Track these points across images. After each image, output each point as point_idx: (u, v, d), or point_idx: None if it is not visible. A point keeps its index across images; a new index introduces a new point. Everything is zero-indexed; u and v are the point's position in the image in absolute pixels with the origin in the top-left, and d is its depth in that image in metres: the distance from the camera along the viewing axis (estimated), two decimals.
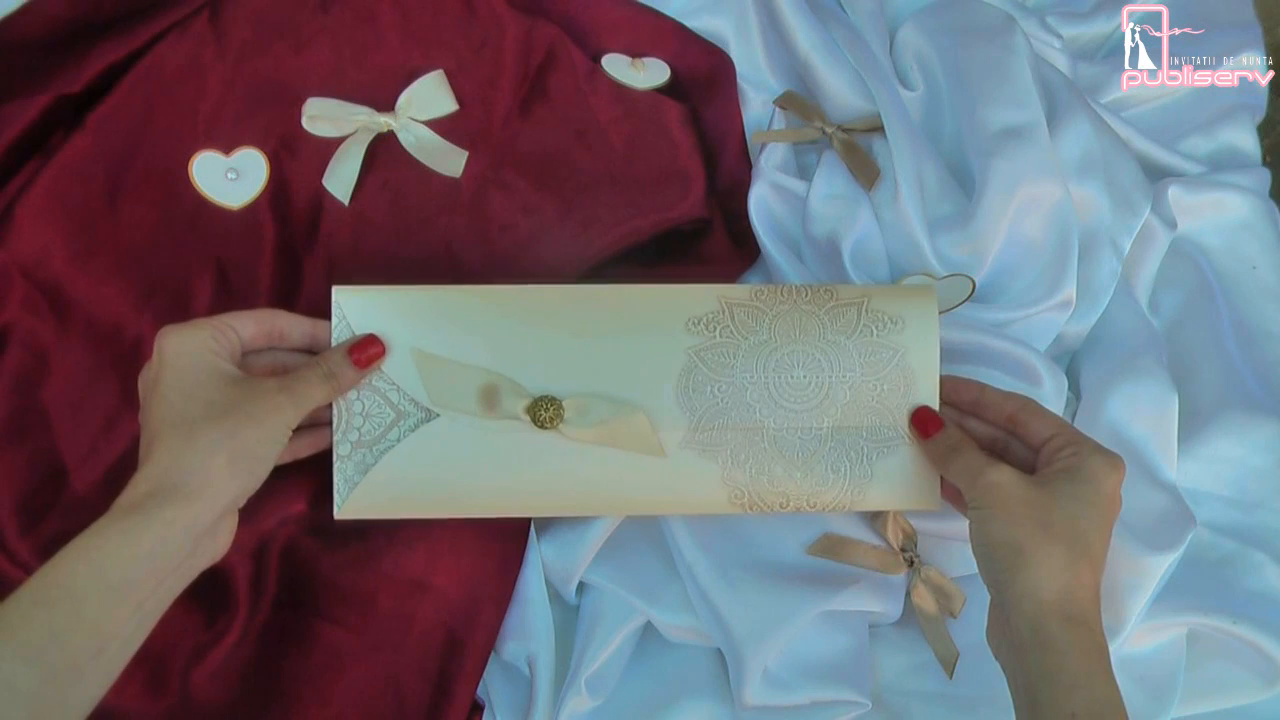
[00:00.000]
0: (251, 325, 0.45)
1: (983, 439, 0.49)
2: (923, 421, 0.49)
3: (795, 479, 0.49)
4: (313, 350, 0.48)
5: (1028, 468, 0.46)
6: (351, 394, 0.47)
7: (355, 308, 0.47)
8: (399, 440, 0.48)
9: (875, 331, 0.49)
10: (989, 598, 0.45)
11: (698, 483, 0.49)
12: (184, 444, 0.40)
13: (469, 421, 0.48)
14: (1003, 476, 0.43)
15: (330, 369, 0.45)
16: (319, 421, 0.49)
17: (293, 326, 0.47)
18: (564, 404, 0.47)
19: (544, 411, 0.47)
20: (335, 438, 0.47)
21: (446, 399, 0.47)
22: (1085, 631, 0.40)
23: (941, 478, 0.49)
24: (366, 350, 0.46)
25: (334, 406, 0.47)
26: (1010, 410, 0.47)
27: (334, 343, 0.47)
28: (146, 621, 0.39)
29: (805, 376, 0.49)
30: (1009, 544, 0.42)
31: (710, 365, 0.49)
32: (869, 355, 0.49)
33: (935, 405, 0.49)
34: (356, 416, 0.47)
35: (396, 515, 0.48)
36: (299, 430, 0.48)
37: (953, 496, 0.49)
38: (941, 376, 0.50)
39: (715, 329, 0.49)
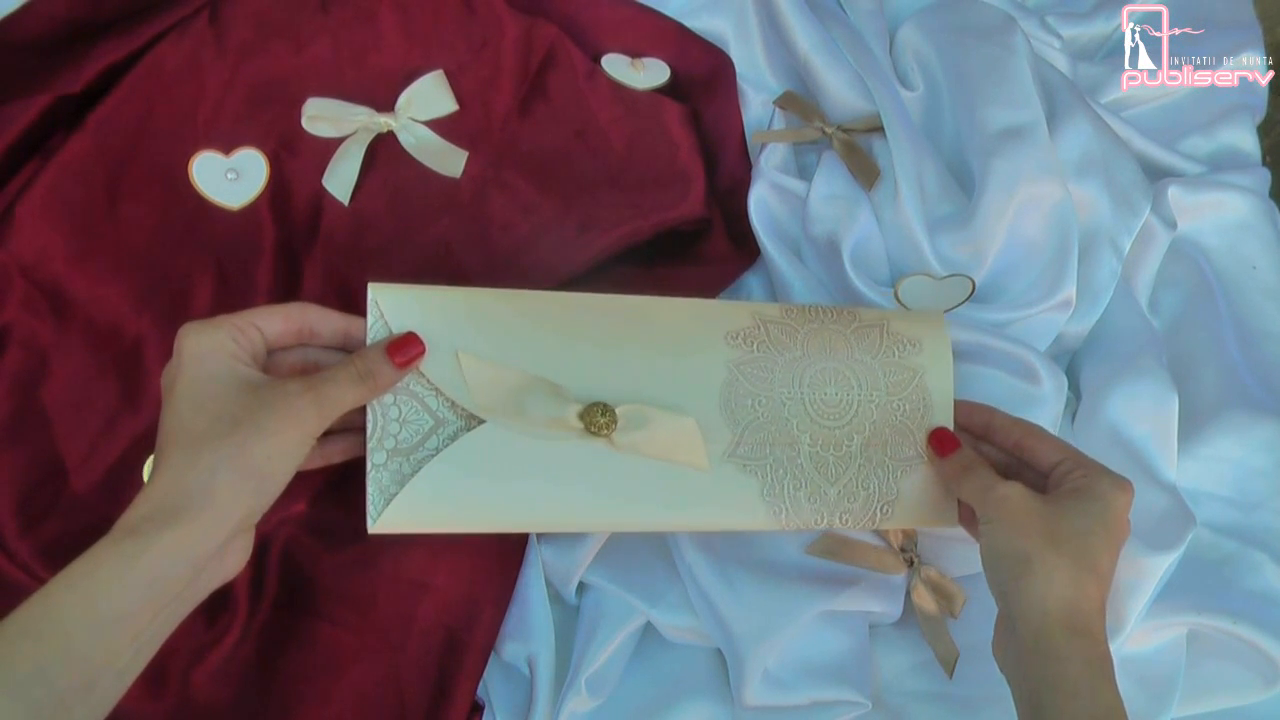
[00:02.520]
0: (279, 322, 0.42)
1: (994, 463, 0.49)
2: (940, 441, 0.50)
3: (830, 496, 0.49)
4: (345, 348, 0.45)
5: (1038, 491, 0.46)
6: (387, 398, 0.44)
7: (393, 305, 0.44)
8: (437, 449, 0.44)
9: (896, 353, 0.50)
10: (995, 606, 0.45)
11: (739, 498, 0.48)
12: (187, 462, 0.37)
13: (514, 430, 0.45)
14: (1013, 491, 0.44)
15: (366, 368, 0.41)
16: (351, 426, 0.45)
17: (324, 322, 0.43)
18: (618, 411, 0.45)
19: (599, 418, 0.45)
20: (370, 445, 0.43)
21: (492, 404, 0.45)
22: (1089, 642, 0.40)
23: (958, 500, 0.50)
24: (407, 349, 0.43)
25: (369, 411, 0.44)
26: (1016, 437, 0.48)
27: (370, 341, 0.44)
28: (144, 652, 0.36)
29: (837, 394, 0.49)
30: (1016, 555, 0.42)
31: (750, 379, 0.48)
32: (892, 375, 0.50)
33: (951, 426, 0.50)
34: (393, 423, 0.44)
35: (434, 530, 0.45)
36: (330, 434, 0.44)
37: (967, 520, 0.50)
38: (956, 401, 0.51)
39: (753, 343, 0.49)
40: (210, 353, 0.39)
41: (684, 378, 0.48)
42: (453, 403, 0.45)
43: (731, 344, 0.49)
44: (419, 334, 0.44)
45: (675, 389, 0.47)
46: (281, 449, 0.39)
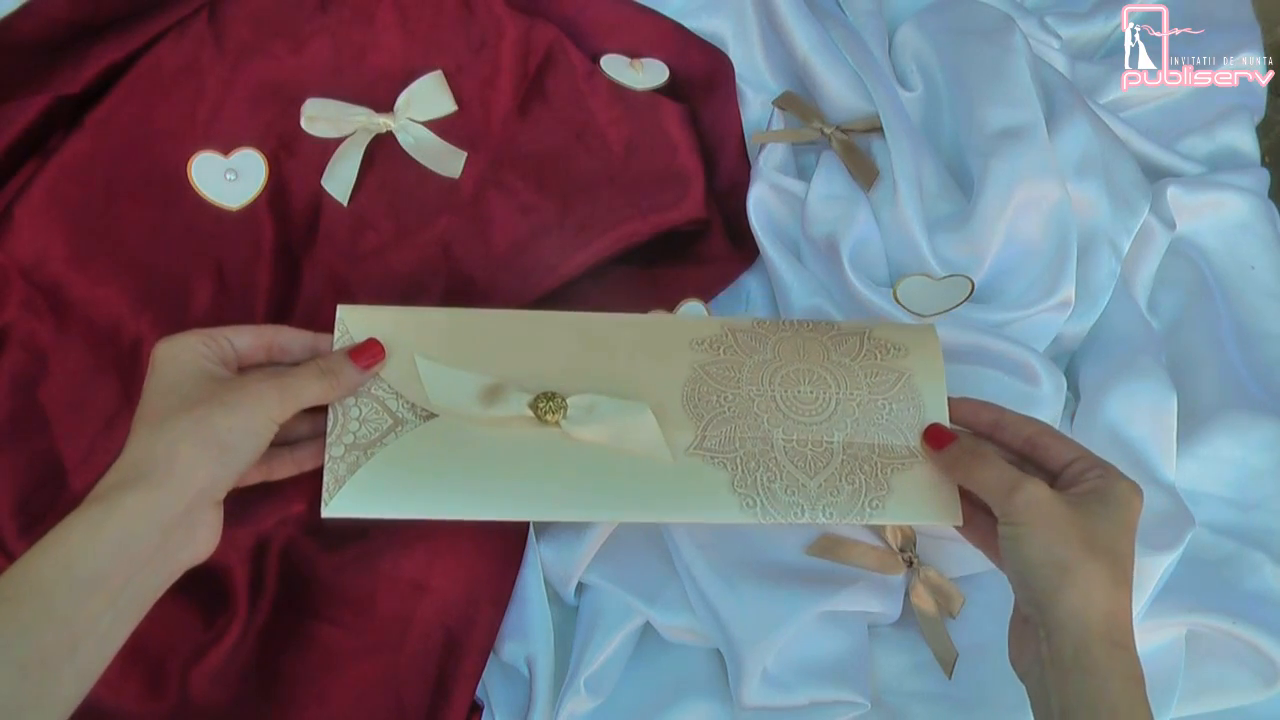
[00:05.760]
0: (248, 338, 0.45)
1: None
2: (934, 438, 0.48)
3: (810, 489, 0.47)
4: None
5: None
6: (349, 400, 0.46)
7: (359, 323, 0.47)
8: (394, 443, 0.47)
9: (879, 356, 0.50)
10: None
11: (707, 489, 0.47)
12: (152, 434, 0.39)
13: (469, 420, 0.47)
14: (1041, 492, 0.42)
15: (329, 366, 0.44)
16: (322, 432, 0.47)
17: (293, 340, 0.46)
18: (568, 400, 0.46)
19: (547, 404, 0.46)
20: (329, 439, 0.46)
21: (448, 402, 0.46)
22: (1128, 657, 0.40)
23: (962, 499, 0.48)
24: (369, 354, 0.46)
25: (330, 411, 0.46)
26: (1029, 433, 0.46)
27: None
28: (123, 618, 0.38)
29: (812, 392, 0.49)
30: (1054, 563, 0.40)
31: (715, 377, 0.48)
32: (874, 376, 0.49)
33: (946, 424, 0.49)
34: (353, 421, 0.46)
35: (387, 514, 0.46)
36: (302, 441, 0.47)
37: (969, 522, 0.47)
38: (958, 399, 0.49)
39: (719, 348, 0.49)
40: (180, 353, 0.42)
41: (644, 376, 0.48)
42: (413, 405, 0.47)
43: (696, 348, 0.49)
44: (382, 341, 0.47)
45: (635, 387, 0.48)
46: (243, 424, 0.41)
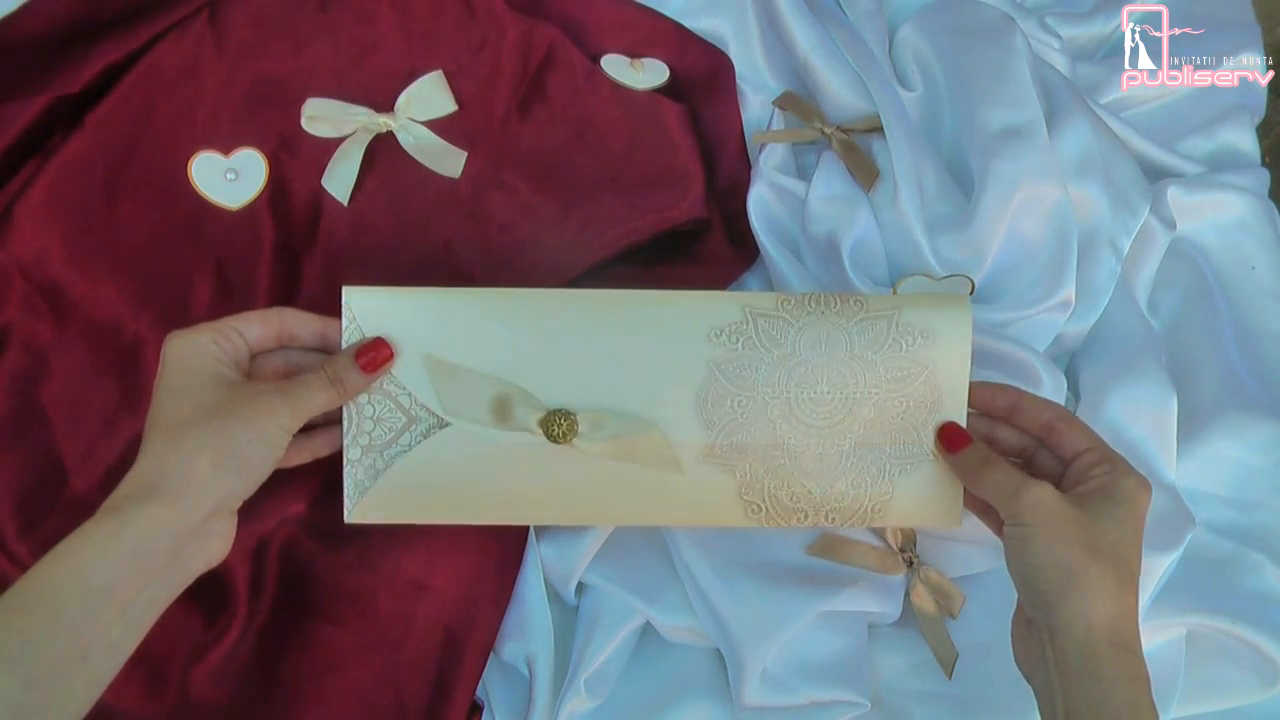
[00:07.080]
0: (258, 326, 0.44)
1: (1012, 447, 0.48)
2: (949, 438, 0.47)
3: (814, 494, 0.48)
4: (324, 349, 0.47)
5: (1053, 479, 0.45)
6: (362, 397, 0.46)
7: (366, 308, 0.46)
8: (410, 446, 0.47)
9: (905, 346, 0.47)
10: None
11: (714, 496, 0.47)
12: (168, 445, 0.39)
13: (481, 430, 0.47)
14: (1046, 494, 0.42)
15: (336, 373, 0.44)
16: (335, 420, 0.48)
17: (302, 325, 0.46)
18: (578, 418, 0.46)
19: (557, 426, 0.46)
20: (345, 441, 0.47)
21: (458, 408, 0.46)
22: (1133, 660, 0.40)
23: (964, 496, 0.48)
24: (374, 354, 0.45)
25: (344, 410, 0.46)
26: (1046, 418, 0.46)
27: (344, 345, 0.46)
28: (135, 626, 0.38)
29: (829, 393, 0.47)
30: (1058, 565, 0.40)
31: (731, 379, 0.47)
32: (895, 371, 0.47)
33: (962, 422, 0.47)
34: (367, 420, 0.46)
35: (407, 520, 0.48)
36: (316, 429, 0.48)
37: (977, 508, 0.48)
38: (977, 382, 0.48)
39: (738, 340, 0.47)
40: (193, 354, 0.42)
41: (659, 378, 0.47)
42: (425, 403, 0.47)
43: (714, 342, 0.47)
44: (389, 338, 0.46)
45: (648, 391, 0.47)
46: (260, 436, 0.41)
